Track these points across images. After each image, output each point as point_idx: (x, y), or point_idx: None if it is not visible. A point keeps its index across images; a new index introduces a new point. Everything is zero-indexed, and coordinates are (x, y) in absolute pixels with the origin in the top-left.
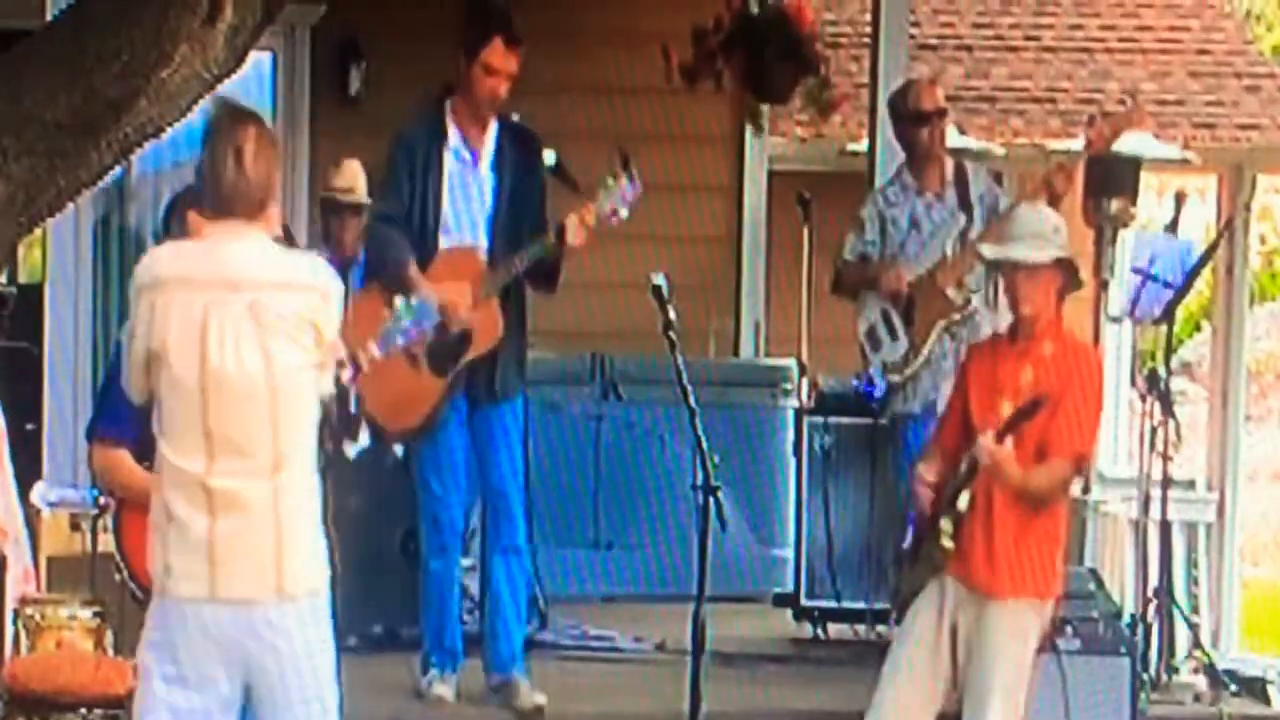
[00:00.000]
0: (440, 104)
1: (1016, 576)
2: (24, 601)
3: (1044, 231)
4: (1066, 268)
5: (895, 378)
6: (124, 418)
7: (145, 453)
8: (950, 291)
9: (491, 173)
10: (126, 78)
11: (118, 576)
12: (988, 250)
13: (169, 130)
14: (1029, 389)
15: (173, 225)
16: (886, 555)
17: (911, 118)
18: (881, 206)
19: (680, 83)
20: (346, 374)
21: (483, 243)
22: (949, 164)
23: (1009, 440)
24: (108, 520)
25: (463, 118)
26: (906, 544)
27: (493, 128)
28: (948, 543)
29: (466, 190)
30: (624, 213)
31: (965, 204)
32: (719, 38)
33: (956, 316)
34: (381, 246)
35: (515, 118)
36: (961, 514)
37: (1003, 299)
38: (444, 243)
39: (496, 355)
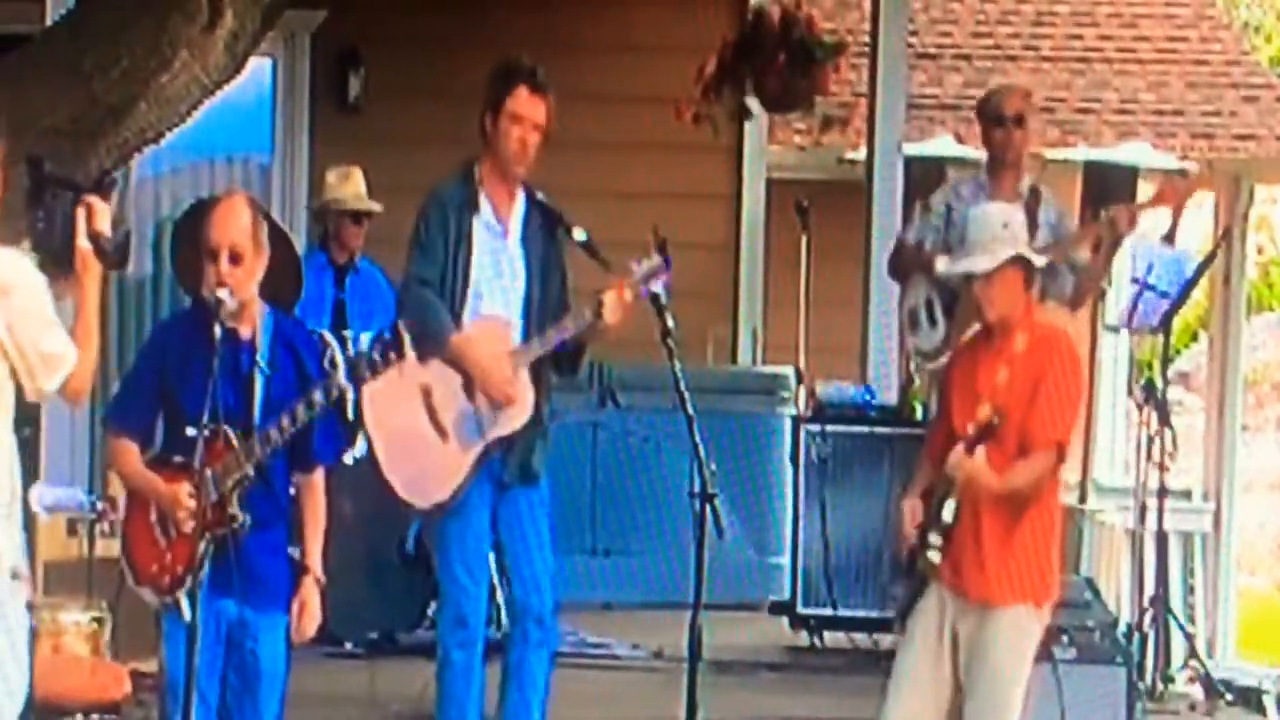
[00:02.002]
0: (470, 170)
1: (1012, 582)
2: None
3: (995, 234)
4: (1023, 263)
5: (928, 365)
6: (133, 410)
7: (150, 446)
8: None
9: (521, 248)
10: (126, 83)
11: (125, 578)
12: (940, 265)
13: (168, 135)
14: (1004, 389)
15: (180, 244)
16: (884, 564)
17: (989, 119)
18: (952, 198)
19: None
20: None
21: (515, 319)
22: (1025, 179)
23: (980, 450)
24: (107, 523)
25: (492, 185)
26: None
27: (520, 201)
28: (935, 556)
29: (497, 263)
30: (659, 291)
31: (1032, 223)
32: (715, 73)
33: None
34: (422, 312)
35: (541, 195)
36: (949, 526)
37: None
38: (470, 312)
39: (525, 434)
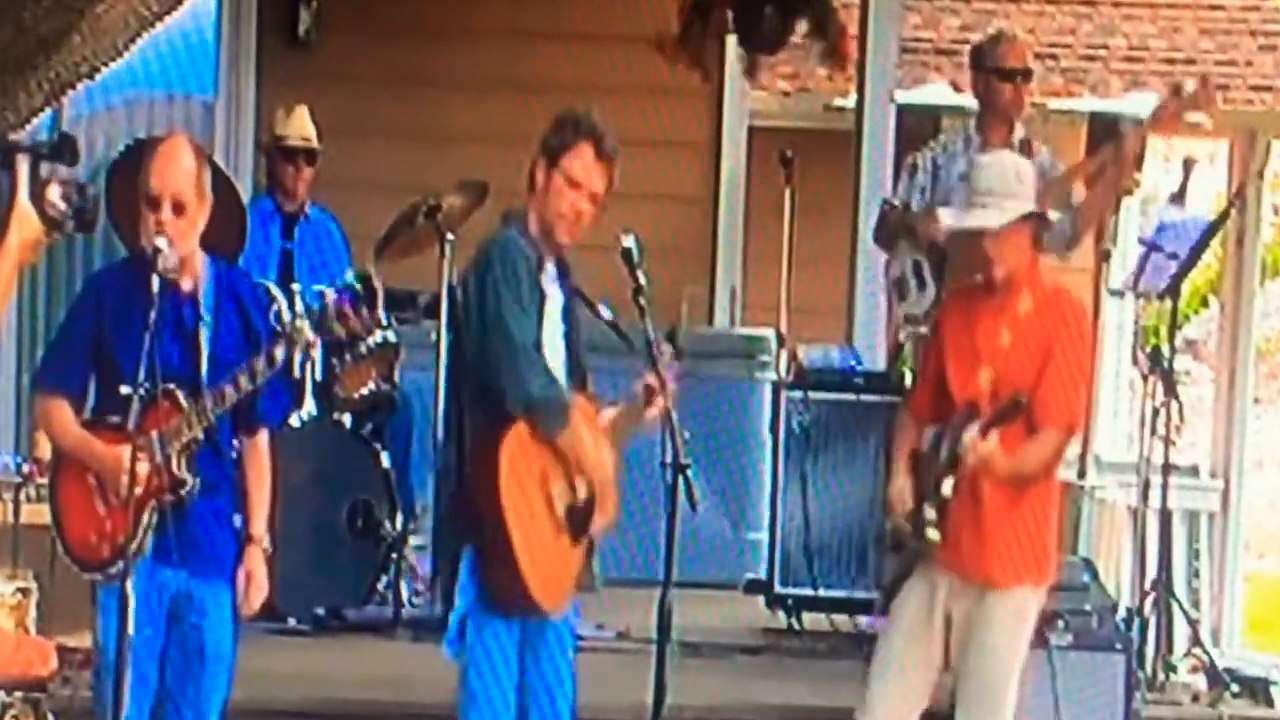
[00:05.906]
0: (524, 221)
1: (1013, 563)
2: None
3: (1008, 187)
4: (1035, 219)
5: (919, 329)
6: (66, 368)
7: (84, 406)
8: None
9: (561, 308)
10: (59, 12)
11: (58, 547)
12: (947, 216)
13: (103, 70)
14: (1006, 354)
15: (115, 188)
16: (868, 541)
17: (994, 72)
18: (938, 153)
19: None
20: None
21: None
22: (1019, 130)
23: (994, 434)
24: (34, 487)
25: (541, 238)
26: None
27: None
28: (935, 535)
29: (553, 321)
30: (671, 387)
31: None
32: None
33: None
34: (548, 390)
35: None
36: (946, 500)
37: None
38: None
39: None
